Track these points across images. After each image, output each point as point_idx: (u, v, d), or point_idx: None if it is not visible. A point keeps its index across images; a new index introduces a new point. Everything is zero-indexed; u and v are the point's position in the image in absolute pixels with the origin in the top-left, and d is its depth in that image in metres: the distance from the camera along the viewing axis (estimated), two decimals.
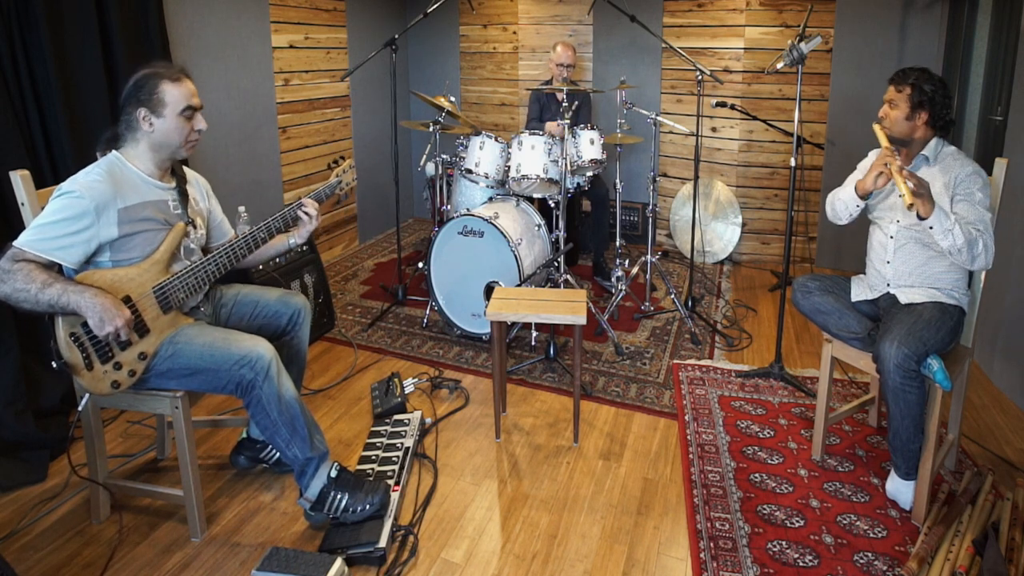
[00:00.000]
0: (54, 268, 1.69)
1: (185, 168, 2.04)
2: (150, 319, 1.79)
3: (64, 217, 1.67)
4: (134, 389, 1.83)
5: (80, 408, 1.87)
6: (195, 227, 1.96)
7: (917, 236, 2.08)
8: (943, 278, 2.06)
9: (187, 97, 1.81)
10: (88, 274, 1.72)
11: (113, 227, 1.73)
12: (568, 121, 3.02)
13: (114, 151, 1.83)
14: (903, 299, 2.09)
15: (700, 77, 3.31)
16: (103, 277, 1.72)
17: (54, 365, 1.70)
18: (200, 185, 2.09)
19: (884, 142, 2.07)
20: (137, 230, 1.78)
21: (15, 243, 1.65)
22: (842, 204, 2.20)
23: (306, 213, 2.06)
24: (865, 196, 2.10)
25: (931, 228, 1.89)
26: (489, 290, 3.09)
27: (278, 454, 2.22)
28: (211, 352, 1.80)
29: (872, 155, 2.27)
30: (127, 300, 1.74)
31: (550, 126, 3.80)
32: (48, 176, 2.49)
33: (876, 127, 2.12)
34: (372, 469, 2.18)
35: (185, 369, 1.80)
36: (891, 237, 2.14)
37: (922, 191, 1.86)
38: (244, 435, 2.24)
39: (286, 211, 2.04)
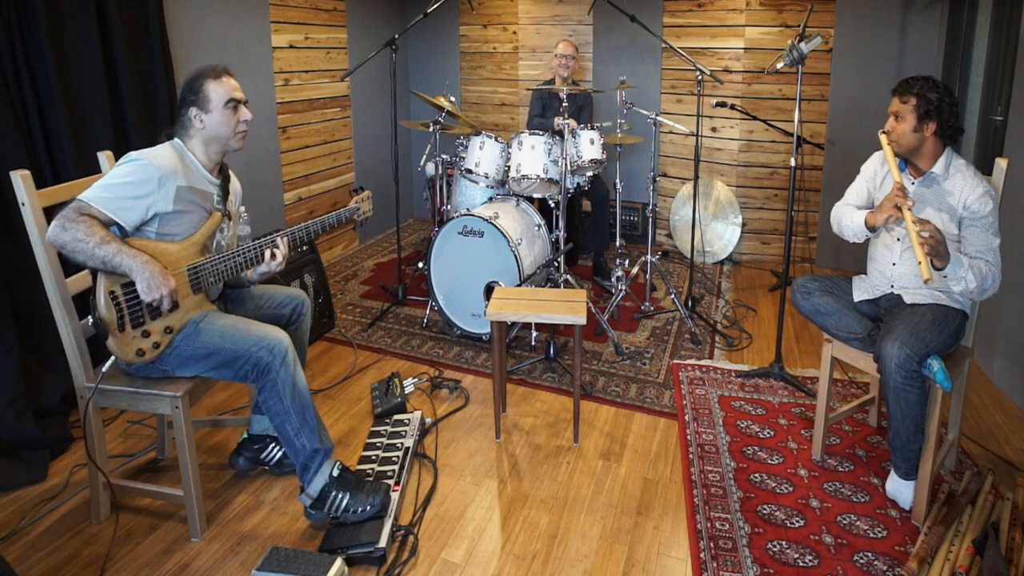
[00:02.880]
0: (110, 227, 1.77)
1: (231, 171, 2.12)
2: (181, 296, 1.87)
3: (130, 181, 1.77)
4: (144, 376, 1.89)
5: (105, 369, 1.91)
6: (228, 222, 2.04)
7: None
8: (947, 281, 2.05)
9: (229, 91, 1.92)
10: (133, 240, 1.80)
11: (170, 201, 1.83)
12: (570, 120, 3.02)
13: (176, 139, 1.94)
14: (908, 299, 2.08)
15: (700, 77, 3.31)
16: (146, 247, 1.80)
17: (89, 321, 1.81)
18: (237, 190, 2.17)
19: (894, 170, 1.99)
20: (187, 210, 1.87)
21: (80, 196, 1.74)
22: (850, 231, 2.16)
23: (272, 254, 2.01)
24: (874, 229, 2.08)
25: (945, 276, 1.88)
26: (489, 290, 3.09)
27: (279, 455, 2.22)
28: (232, 333, 1.87)
29: (876, 159, 2.23)
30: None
31: (558, 120, 3.80)
32: (48, 176, 2.49)
33: (883, 139, 2.05)
34: (372, 469, 2.18)
35: (204, 348, 1.86)
36: (898, 239, 2.12)
37: (939, 248, 1.82)
38: (245, 435, 2.24)
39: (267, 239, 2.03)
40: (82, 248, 1.69)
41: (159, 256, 1.81)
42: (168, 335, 1.85)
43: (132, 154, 1.82)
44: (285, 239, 2.03)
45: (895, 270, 2.14)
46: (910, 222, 1.85)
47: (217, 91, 1.91)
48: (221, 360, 1.86)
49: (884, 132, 2.06)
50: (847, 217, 2.17)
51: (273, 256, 2.01)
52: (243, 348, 1.84)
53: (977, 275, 1.87)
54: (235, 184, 2.15)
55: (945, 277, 1.89)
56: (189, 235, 1.89)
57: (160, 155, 1.84)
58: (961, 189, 1.98)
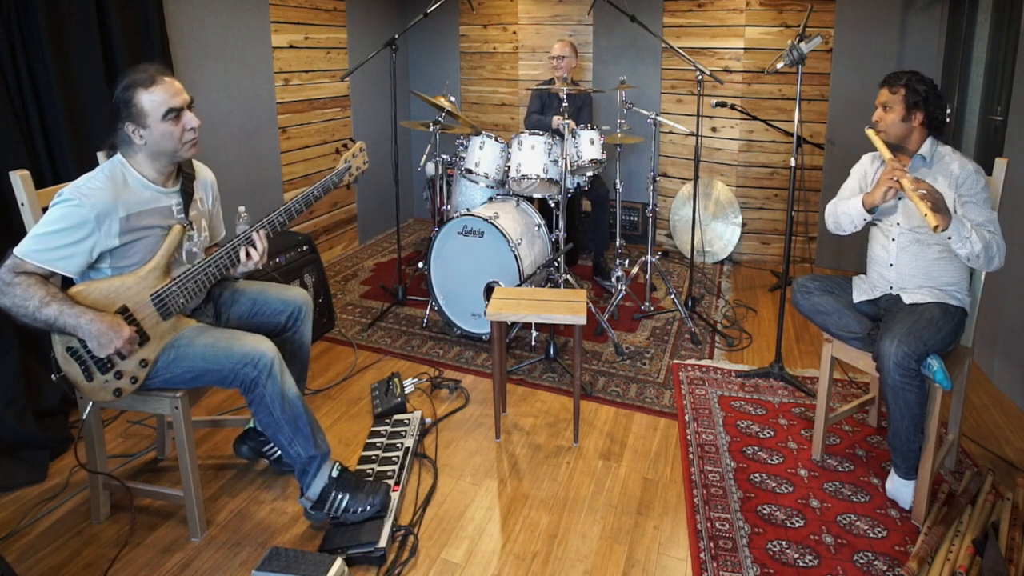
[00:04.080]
0: (54, 277, 1.67)
1: (196, 162, 1.98)
2: (149, 326, 1.76)
3: (64, 227, 1.63)
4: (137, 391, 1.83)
5: (84, 416, 1.86)
6: (196, 230, 1.93)
7: (919, 237, 2.07)
8: (947, 278, 2.06)
9: (165, 100, 1.72)
10: (85, 286, 1.69)
11: (115, 236, 1.70)
12: (569, 121, 3.03)
13: (118, 155, 1.79)
14: (907, 299, 2.08)
15: (700, 77, 3.31)
16: (99, 288, 1.69)
17: (53, 378, 1.70)
18: (208, 182, 2.04)
19: (886, 152, 2.05)
20: (138, 237, 1.75)
21: (15, 251, 1.62)
22: (847, 218, 2.16)
23: (248, 253, 1.88)
24: (872, 210, 2.08)
25: (949, 238, 1.89)
26: (489, 290, 3.08)
27: (279, 452, 2.21)
28: (213, 353, 1.79)
29: (865, 160, 2.26)
30: (124, 311, 1.72)
31: (556, 119, 3.80)
32: (48, 176, 2.49)
33: (870, 133, 2.11)
34: (372, 469, 2.18)
35: (188, 372, 1.80)
36: (893, 240, 2.13)
37: (940, 204, 1.85)
38: (250, 424, 2.23)
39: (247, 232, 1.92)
40: (23, 312, 1.58)
41: (115, 294, 1.69)
42: (144, 368, 1.76)
43: (64, 191, 1.66)
44: (261, 232, 1.90)
45: (891, 271, 2.14)
46: (908, 186, 1.88)
47: (152, 101, 1.71)
48: (207, 380, 1.81)
49: (870, 127, 2.11)
50: (842, 207, 2.18)
51: (249, 255, 1.88)
52: (227, 367, 1.77)
53: (981, 239, 1.88)
54: (203, 176, 2.00)
55: (949, 239, 1.89)
56: (147, 261, 1.76)
57: (95, 188, 1.68)
58: (950, 168, 2.02)
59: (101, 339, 1.64)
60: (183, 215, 1.88)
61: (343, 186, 2.17)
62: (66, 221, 1.64)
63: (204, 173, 2.02)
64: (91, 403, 1.85)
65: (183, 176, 1.90)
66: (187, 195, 1.90)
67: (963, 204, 1.98)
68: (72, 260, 1.66)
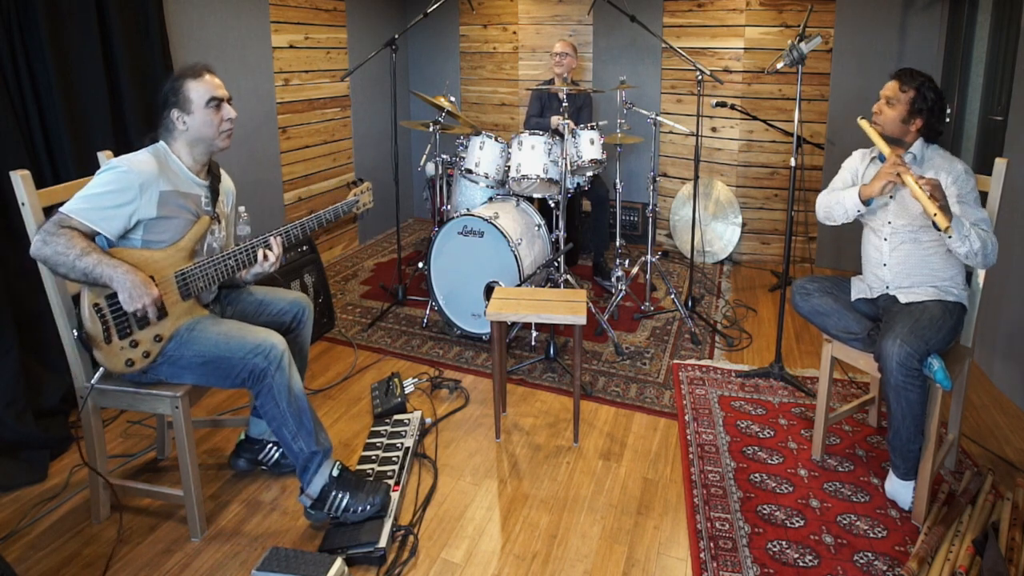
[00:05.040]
0: (93, 239, 1.75)
1: (223, 171, 2.09)
2: (169, 303, 1.84)
3: (110, 190, 1.74)
4: (138, 382, 1.87)
5: (93, 381, 1.86)
6: (220, 224, 2.01)
7: (912, 235, 2.08)
8: (941, 273, 2.06)
9: (210, 90, 1.87)
10: (118, 250, 1.78)
11: (153, 206, 1.80)
12: (568, 121, 3.03)
13: (160, 141, 1.90)
14: (903, 299, 2.08)
15: (700, 77, 3.31)
16: (131, 255, 1.78)
17: (74, 334, 1.78)
18: (230, 190, 2.14)
19: (882, 144, 2.06)
20: (172, 215, 1.84)
21: (61, 209, 1.72)
22: (840, 208, 2.16)
23: (265, 255, 1.97)
24: (867, 201, 2.09)
25: (950, 237, 1.89)
26: (489, 290, 3.09)
27: (277, 455, 2.22)
28: (226, 340, 1.84)
29: (856, 156, 2.26)
30: (151, 280, 1.80)
31: (556, 119, 3.80)
32: (48, 176, 2.49)
33: (864, 124, 2.10)
34: (372, 469, 2.18)
35: (198, 356, 1.83)
36: (885, 240, 2.13)
37: (945, 202, 1.84)
38: (243, 436, 2.24)
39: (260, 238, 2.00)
40: (63, 261, 1.67)
41: (144, 264, 1.79)
42: (158, 343, 1.83)
43: (112, 161, 1.80)
44: (278, 238, 1.99)
45: (885, 271, 2.15)
46: (913, 182, 1.87)
47: (198, 91, 1.86)
48: (216, 367, 1.83)
49: (864, 118, 2.11)
50: (836, 197, 2.17)
51: (266, 257, 1.97)
52: (238, 355, 1.82)
53: (978, 237, 1.89)
54: (227, 184, 2.12)
55: (950, 238, 1.89)
56: (176, 241, 1.85)
57: (141, 160, 1.81)
58: (940, 167, 2.03)
59: (133, 291, 1.72)
60: (211, 207, 1.98)
61: (349, 218, 2.29)
62: (113, 185, 1.75)
63: (227, 182, 2.13)
64: (101, 369, 1.83)
65: (211, 176, 2.01)
66: (214, 192, 2.00)
67: (956, 203, 1.98)
68: (113, 222, 1.75)
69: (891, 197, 2.09)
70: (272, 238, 1.98)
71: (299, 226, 2.03)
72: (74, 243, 1.69)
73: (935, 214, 1.81)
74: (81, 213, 1.72)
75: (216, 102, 1.89)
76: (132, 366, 1.80)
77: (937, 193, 1.84)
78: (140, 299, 1.73)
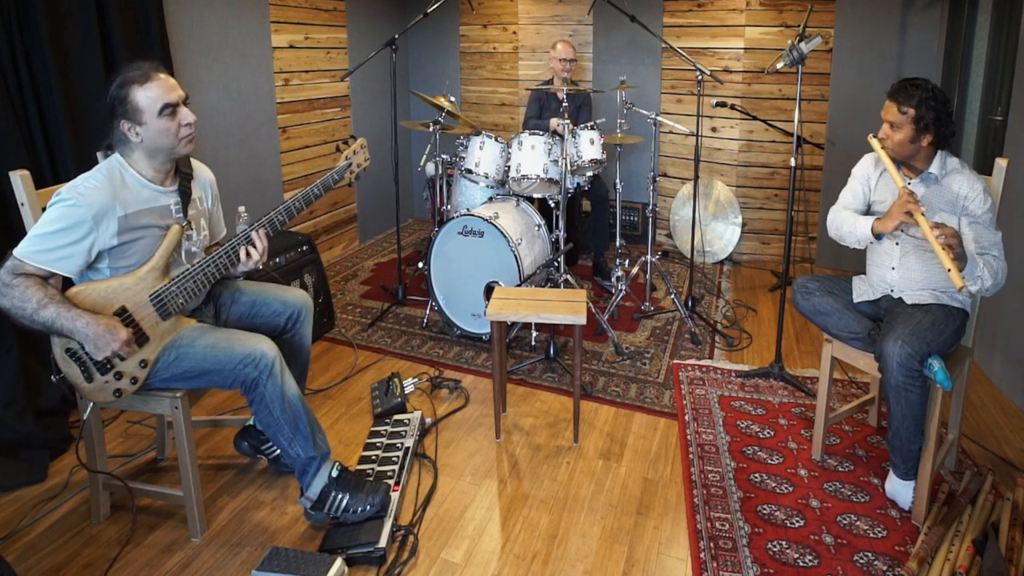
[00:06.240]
0: (54, 277, 1.67)
1: (194, 161, 1.97)
2: (148, 327, 1.76)
3: (61, 227, 1.63)
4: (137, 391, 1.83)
5: (84, 417, 1.85)
6: (195, 229, 1.92)
7: (923, 244, 2.05)
8: (949, 282, 2.04)
9: (161, 96, 1.71)
10: (83, 287, 1.68)
11: (113, 236, 1.70)
12: (567, 122, 3.03)
13: (116, 154, 1.78)
14: (908, 300, 2.08)
15: (700, 77, 3.31)
16: (98, 289, 1.69)
17: (53, 380, 1.70)
18: (207, 181, 2.02)
19: (894, 172, 1.99)
20: (136, 237, 1.74)
21: (15, 253, 1.62)
22: (852, 237, 2.11)
23: (248, 252, 1.88)
24: (879, 236, 2.05)
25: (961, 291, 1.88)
26: (489, 290, 3.08)
27: (277, 451, 2.21)
28: (214, 353, 1.79)
29: (867, 162, 2.20)
30: (122, 312, 1.71)
31: (554, 122, 3.80)
32: (48, 176, 2.49)
33: (875, 143, 2.03)
34: (372, 469, 2.18)
35: (189, 372, 1.80)
36: (897, 244, 2.11)
37: (959, 250, 1.81)
38: (251, 422, 2.22)
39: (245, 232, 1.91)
40: (20, 314, 1.58)
41: (115, 294, 1.69)
42: (144, 369, 1.76)
43: (61, 191, 1.65)
44: (261, 230, 1.89)
45: (894, 274, 2.13)
46: (927, 229, 1.83)
47: (147, 97, 1.69)
48: (208, 380, 1.81)
49: (876, 137, 2.04)
50: (848, 224, 2.12)
51: (249, 255, 1.87)
52: (228, 367, 1.77)
53: (990, 272, 1.88)
54: (201, 174, 1.99)
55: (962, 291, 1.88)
56: (145, 261, 1.75)
57: (92, 187, 1.67)
58: (960, 187, 1.98)
59: (98, 342, 1.63)
60: (181, 215, 1.88)
61: (344, 184, 2.15)
62: (64, 221, 1.63)
63: (202, 172, 2.01)
64: (91, 404, 1.85)
65: (181, 176, 1.89)
66: (185, 195, 1.89)
67: (969, 224, 1.96)
68: (71, 260, 1.65)
69: (947, 271, 1.87)
70: (254, 232, 1.88)
71: (283, 211, 1.92)
72: (29, 294, 1.58)
73: (949, 269, 1.77)
74: (34, 257, 1.61)
75: (170, 108, 1.72)
76: (121, 395, 1.75)
77: (953, 241, 1.79)
78: (107, 347, 1.64)
